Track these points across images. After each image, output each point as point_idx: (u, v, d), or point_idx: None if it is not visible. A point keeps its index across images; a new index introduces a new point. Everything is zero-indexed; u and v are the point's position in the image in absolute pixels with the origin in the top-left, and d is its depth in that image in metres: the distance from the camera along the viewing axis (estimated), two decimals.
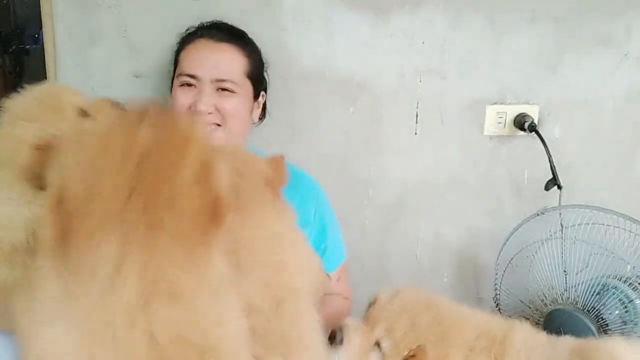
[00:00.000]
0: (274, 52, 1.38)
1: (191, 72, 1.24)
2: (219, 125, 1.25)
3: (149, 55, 1.48)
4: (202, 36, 1.31)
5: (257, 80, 1.35)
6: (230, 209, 0.64)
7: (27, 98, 0.98)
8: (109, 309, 0.59)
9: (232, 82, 1.26)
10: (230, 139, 1.27)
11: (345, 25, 1.51)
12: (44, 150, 0.73)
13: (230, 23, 1.42)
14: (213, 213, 0.63)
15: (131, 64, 1.49)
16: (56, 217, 0.61)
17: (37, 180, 0.77)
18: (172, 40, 1.46)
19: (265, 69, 1.40)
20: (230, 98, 1.26)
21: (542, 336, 0.98)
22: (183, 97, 1.25)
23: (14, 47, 2.34)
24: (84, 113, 1.03)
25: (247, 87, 1.30)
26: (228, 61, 1.28)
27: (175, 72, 1.33)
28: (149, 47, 1.48)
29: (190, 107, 1.24)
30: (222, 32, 1.32)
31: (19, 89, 1.04)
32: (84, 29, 1.47)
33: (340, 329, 0.95)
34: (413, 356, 0.91)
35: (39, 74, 1.48)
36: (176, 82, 1.28)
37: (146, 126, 0.63)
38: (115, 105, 1.06)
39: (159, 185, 0.61)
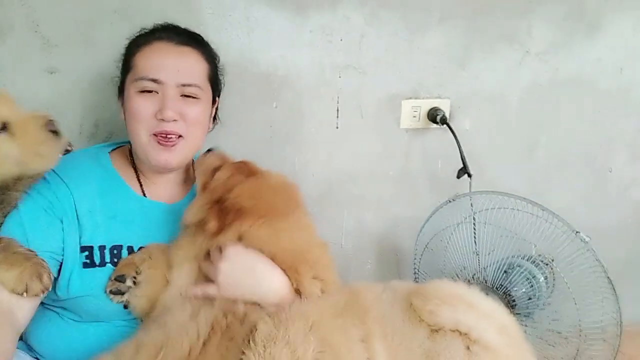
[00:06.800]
0: None
1: (153, 77, 1.14)
2: (180, 136, 1.18)
3: (64, 50, 1.43)
4: (160, 38, 1.20)
5: (216, 84, 1.31)
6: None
7: None
8: None
9: (196, 86, 1.20)
10: (190, 151, 1.23)
11: (265, 21, 1.53)
12: None
13: (148, 17, 1.40)
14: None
15: (44, 59, 1.44)
16: None
17: None
18: (88, 34, 1.43)
19: (221, 73, 1.36)
20: (194, 105, 1.19)
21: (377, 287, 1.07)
22: (145, 104, 1.15)
23: None
24: (3, 126, 1.00)
25: (208, 92, 1.25)
26: (191, 65, 1.21)
27: (125, 78, 1.21)
28: (63, 41, 1.43)
29: (155, 116, 1.15)
30: (181, 35, 1.24)
31: None
32: None
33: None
34: None
35: None
36: (132, 88, 1.16)
37: None
38: (50, 123, 1.03)
39: None
